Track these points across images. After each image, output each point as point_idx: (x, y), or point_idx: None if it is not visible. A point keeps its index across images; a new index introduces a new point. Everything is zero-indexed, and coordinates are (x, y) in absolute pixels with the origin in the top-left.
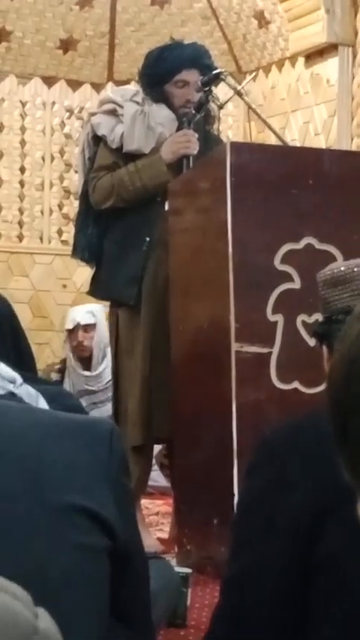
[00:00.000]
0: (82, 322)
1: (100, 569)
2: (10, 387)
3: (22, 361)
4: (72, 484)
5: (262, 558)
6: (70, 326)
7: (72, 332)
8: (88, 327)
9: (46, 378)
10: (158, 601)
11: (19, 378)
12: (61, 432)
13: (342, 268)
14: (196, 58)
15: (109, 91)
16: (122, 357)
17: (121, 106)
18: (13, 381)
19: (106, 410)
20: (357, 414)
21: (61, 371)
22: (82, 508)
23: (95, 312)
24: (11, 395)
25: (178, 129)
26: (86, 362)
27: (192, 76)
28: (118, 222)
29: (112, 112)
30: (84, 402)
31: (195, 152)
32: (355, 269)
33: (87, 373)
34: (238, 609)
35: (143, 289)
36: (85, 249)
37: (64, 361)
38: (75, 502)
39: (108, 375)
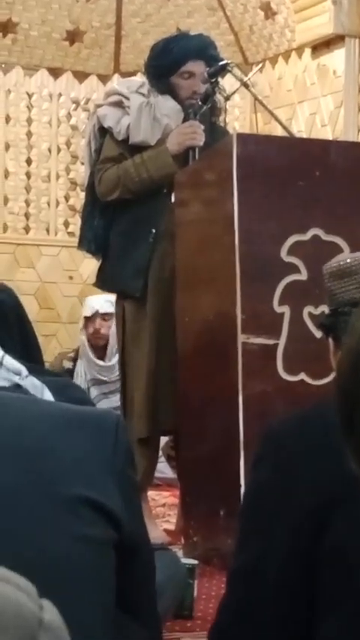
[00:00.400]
0: (101, 310)
1: (105, 561)
2: (16, 379)
3: (29, 352)
4: (77, 476)
5: (268, 550)
6: (88, 313)
7: (89, 319)
8: (107, 316)
9: (55, 367)
10: (165, 592)
11: (24, 370)
12: (66, 423)
13: (348, 260)
14: (202, 49)
15: (115, 82)
16: (129, 350)
17: (127, 98)
18: (18, 373)
19: (115, 400)
20: None
21: (74, 359)
22: (88, 500)
23: (114, 302)
24: (16, 387)
25: (184, 120)
26: (101, 351)
27: (198, 67)
28: (124, 214)
29: (118, 104)
30: (94, 391)
31: (201, 143)
32: None
33: (101, 363)
34: (244, 601)
35: (149, 281)
36: (91, 241)
37: (76, 350)
38: (80, 494)
39: None
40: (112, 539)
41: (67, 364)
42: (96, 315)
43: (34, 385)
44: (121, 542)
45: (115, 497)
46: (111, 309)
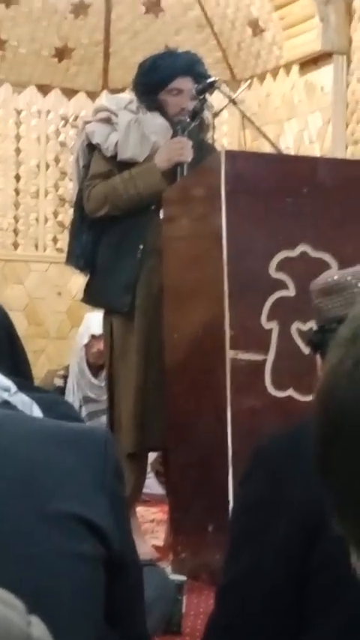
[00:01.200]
0: (96, 333)
1: (94, 577)
2: (5, 396)
3: (18, 369)
4: (66, 492)
5: (257, 566)
6: (96, 332)
7: (96, 338)
8: (101, 337)
9: (46, 385)
10: (153, 609)
11: (13, 386)
12: (55, 440)
13: (335, 277)
14: (190, 65)
15: (104, 99)
16: (116, 365)
17: (115, 115)
18: (7, 389)
19: (105, 420)
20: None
21: (64, 377)
22: (77, 516)
23: None
24: (5, 403)
25: (173, 137)
26: (97, 370)
27: (186, 83)
28: (113, 230)
29: (107, 121)
30: (85, 410)
31: (189, 160)
32: (349, 277)
33: (95, 381)
34: (233, 617)
35: (137, 297)
36: (79, 256)
37: (66, 368)
38: (69, 510)
39: None
40: (101, 556)
41: (58, 382)
42: (92, 338)
43: (23, 402)
44: (110, 559)
45: (104, 513)
46: None
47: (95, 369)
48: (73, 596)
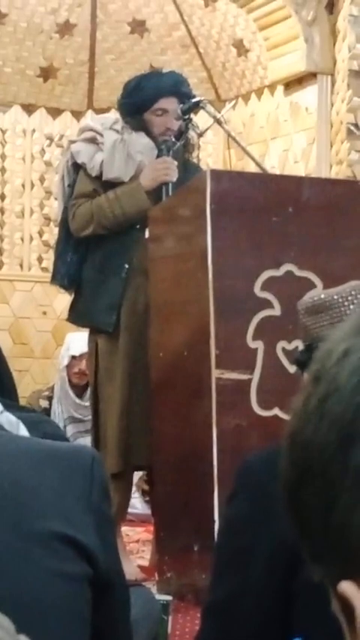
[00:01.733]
0: (76, 354)
1: (81, 597)
2: None
3: (3, 388)
4: (52, 511)
5: (243, 585)
6: (76, 353)
7: (77, 358)
8: (82, 356)
9: (32, 405)
10: (139, 629)
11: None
12: (41, 459)
13: (322, 296)
14: (174, 86)
15: (89, 118)
16: (101, 384)
17: (101, 135)
18: None
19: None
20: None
21: (49, 398)
22: (63, 535)
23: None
24: None
25: (158, 157)
26: (81, 390)
27: (170, 104)
28: (98, 249)
29: (92, 140)
30: (71, 429)
31: (174, 179)
32: (335, 296)
33: (79, 401)
34: (219, 636)
35: (122, 316)
36: (64, 276)
37: (51, 388)
38: (55, 529)
39: None
40: (88, 575)
41: (44, 403)
42: (84, 354)
43: (9, 421)
44: (96, 578)
45: (91, 533)
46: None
47: (79, 389)
48: (59, 615)
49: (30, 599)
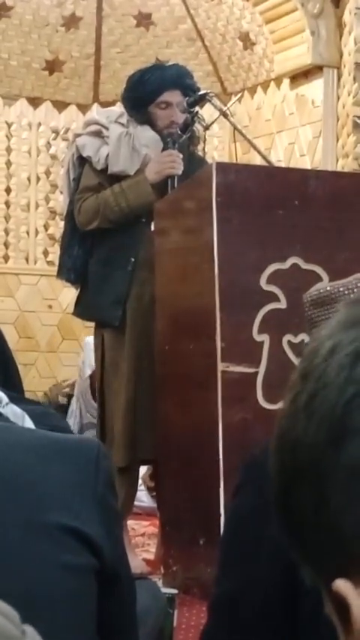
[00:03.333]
0: None
1: (86, 589)
2: None
3: (9, 381)
4: (58, 503)
5: (249, 580)
6: None
7: None
8: None
9: (51, 401)
10: (145, 622)
11: (5, 398)
12: (47, 451)
13: (328, 288)
14: (178, 78)
15: (95, 112)
16: (108, 379)
17: (106, 128)
18: None
19: None
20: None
21: (69, 396)
22: (68, 527)
23: None
24: None
25: (163, 150)
26: None
27: (174, 97)
28: (104, 242)
29: (98, 134)
30: (88, 434)
31: (179, 172)
32: (341, 288)
33: None
34: (226, 630)
35: (128, 310)
36: (70, 270)
37: (72, 385)
38: (61, 521)
39: None
40: (93, 567)
41: (63, 400)
42: None
43: (14, 413)
44: (101, 570)
45: (97, 525)
46: None
47: None
48: (64, 607)
49: (35, 590)
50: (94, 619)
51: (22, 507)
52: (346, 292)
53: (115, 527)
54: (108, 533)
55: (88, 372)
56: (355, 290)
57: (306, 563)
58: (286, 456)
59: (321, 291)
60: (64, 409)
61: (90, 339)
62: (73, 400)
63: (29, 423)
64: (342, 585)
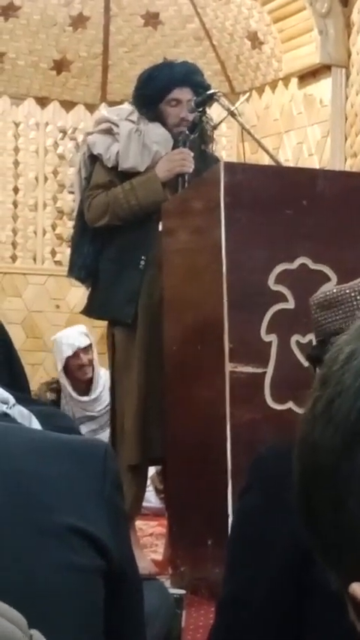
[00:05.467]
0: (82, 345)
1: (94, 590)
2: (3, 408)
3: (15, 382)
4: (66, 504)
5: (257, 579)
6: (70, 353)
7: (72, 357)
8: (86, 348)
9: (40, 397)
10: (153, 623)
11: (11, 399)
12: (55, 452)
13: (334, 290)
14: (187, 75)
15: (105, 110)
16: (118, 376)
17: (116, 125)
18: (5, 402)
19: (105, 435)
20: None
21: (56, 391)
22: (76, 528)
23: (87, 333)
24: (4, 415)
25: (174, 148)
26: (85, 386)
27: (184, 94)
28: (114, 241)
29: (108, 131)
30: (84, 429)
31: (190, 170)
32: (347, 291)
33: (86, 398)
34: (234, 630)
35: (139, 308)
36: (81, 268)
37: (58, 381)
38: (68, 522)
39: (107, 397)
40: (101, 568)
41: (51, 395)
42: (78, 351)
43: (21, 414)
44: (109, 571)
45: (104, 525)
46: (88, 340)
47: (83, 386)
48: (71, 608)
49: (43, 591)
50: (102, 620)
51: (30, 508)
52: (352, 294)
53: (123, 528)
54: (115, 534)
55: (60, 366)
56: None
57: (327, 565)
58: (306, 460)
59: (327, 294)
60: (55, 404)
61: (55, 337)
62: (62, 400)
63: (36, 424)
64: (358, 589)
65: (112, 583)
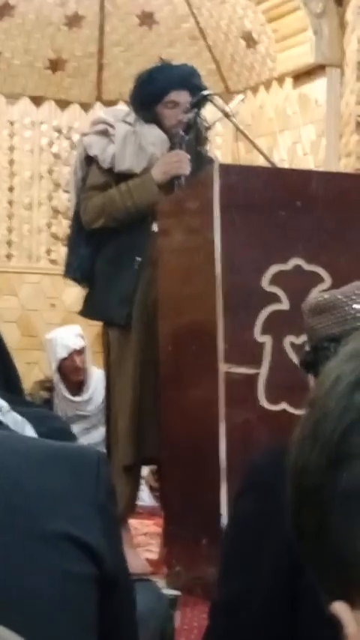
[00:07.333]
0: (77, 347)
1: (87, 597)
2: None
3: (9, 383)
4: (58, 512)
5: (251, 584)
6: (64, 354)
7: (66, 359)
8: (81, 351)
9: (34, 396)
10: (147, 625)
11: (5, 406)
12: (47, 459)
13: (326, 296)
14: (185, 78)
15: (101, 111)
16: (114, 378)
17: (112, 127)
18: None
19: (98, 435)
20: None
21: (50, 389)
22: (69, 536)
23: (82, 334)
24: None
25: (170, 149)
26: (77, 386)
27: (182, 96)
28: (110, 242)
29: (104, 133)
30: (76, 428)
31: (187, 172)
32: (339, 296)
33: (78, 399)
34: (228, 633)
35: (134, 308)
36: (77, 269)
37: (52, 380)
38: (61, 530)
39: (99, 397)
40: (94, 575)
41: (45, 394)
42: (72, 353)
43: (15, 421)
44: (102, 578)
45: (97, 532)
46: (82, 342)
47: (77, 385)
48: (65, 616)
49: (37, 600)
50: (96, 627)
51: (23, 516)
52: (344, 300)
53: (115, 534)
54: (108, 541)
55: (54, 366)
56: (353, 297)
57: (316, 582)
58: (296, 480)
59: (319, 299)
60: (48, 403)
61: (50, 337)
62: (55, 400)
63: (30, 431)
64: (338, 608)
65: (105, 590)
